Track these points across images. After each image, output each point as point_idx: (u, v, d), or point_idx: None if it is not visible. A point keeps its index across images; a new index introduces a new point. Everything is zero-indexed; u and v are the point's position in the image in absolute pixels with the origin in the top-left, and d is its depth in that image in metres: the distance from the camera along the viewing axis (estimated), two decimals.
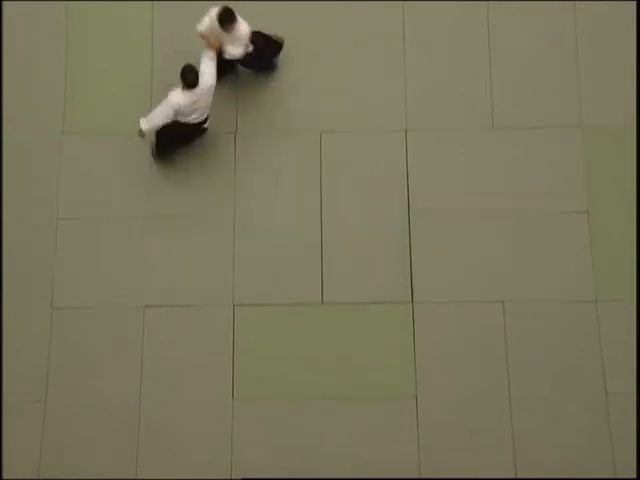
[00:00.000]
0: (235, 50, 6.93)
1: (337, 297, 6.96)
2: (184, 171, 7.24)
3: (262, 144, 7.30)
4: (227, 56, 6.95)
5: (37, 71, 7.46)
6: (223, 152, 7.27)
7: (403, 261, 7.01)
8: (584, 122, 7.29)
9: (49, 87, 7.41)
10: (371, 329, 6.89)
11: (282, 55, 7.39)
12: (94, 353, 6.85)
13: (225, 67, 7.13)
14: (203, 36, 6.86)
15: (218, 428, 6.67)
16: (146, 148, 7.23)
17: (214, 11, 6.75)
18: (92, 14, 7.55)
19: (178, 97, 6.65)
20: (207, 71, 6.76)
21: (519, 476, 6.55)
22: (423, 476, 6.53)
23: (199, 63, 6.78)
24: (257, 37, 7.00)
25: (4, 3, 7.56)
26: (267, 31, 7.15)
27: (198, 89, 6.67)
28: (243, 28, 6.87)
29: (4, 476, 6.55)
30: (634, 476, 6.56)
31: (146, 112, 7.10)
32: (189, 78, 6.59)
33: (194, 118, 6.85)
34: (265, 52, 7.23)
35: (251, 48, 6.99)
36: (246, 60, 7.14)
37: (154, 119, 6.77)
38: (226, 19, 6.70)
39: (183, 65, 6.61)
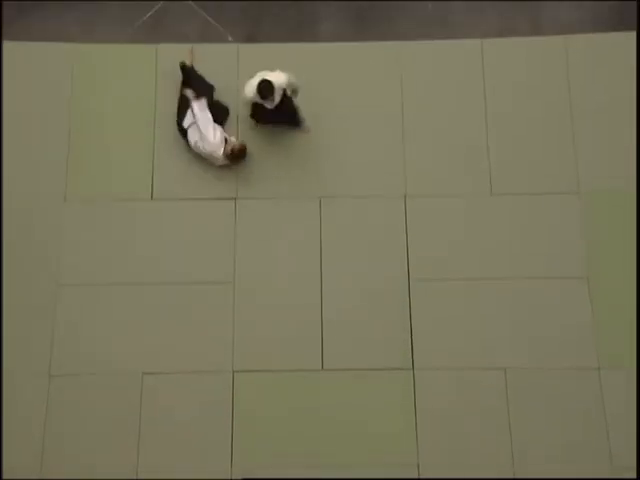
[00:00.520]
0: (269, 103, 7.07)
1: (337, 363, 6.91)
2: (183, 236, 7.27)
3: (262, 210, 7.34)
4: (269, 106, 7.07)
5: (39, 136, 7.53)
6: (223, 218, 7.31)
7: (403, 327, 6.99)
8: (582, 188, 7.33)
9: (51, 153, 7.47)
10: (372, 395, 6.83)
11: (281, 130, 7.51)
12: (92, 420, 6.78)
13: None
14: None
15: None
16: (146, 215, 7.30)
17: (254, 82, 6.90)
18: (96, 80, 7.66)
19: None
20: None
21: None
22: None
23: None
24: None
25: (7, 67, 7.69)
26: None
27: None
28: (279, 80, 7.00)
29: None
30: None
31: (148, 179, 7.25)
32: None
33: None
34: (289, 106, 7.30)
35: (278, 99, 7.08)
36: (277, 113, 7.23)
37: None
38: (266, 92, 6.86)
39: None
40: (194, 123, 7.29)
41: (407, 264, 7.15)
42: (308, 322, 7.02)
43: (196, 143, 7.28)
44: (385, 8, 8.06)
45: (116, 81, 7.67)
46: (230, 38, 7.93)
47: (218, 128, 7.30)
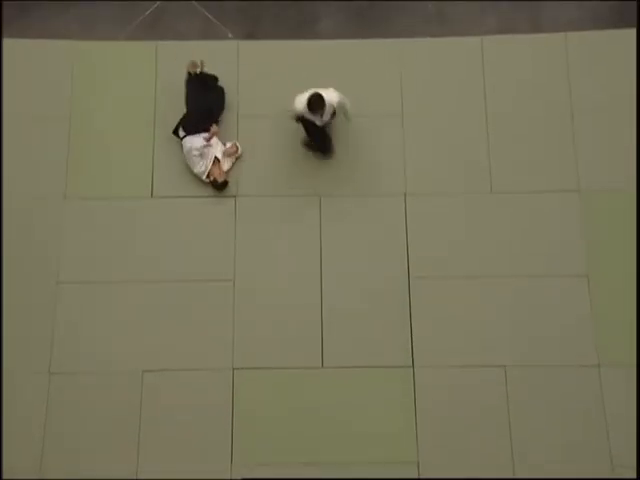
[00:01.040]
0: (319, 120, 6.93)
1: (337, 361, 6.91)
2: (183, 234, 7.27)
3: (262, 208, 7.34)
4: (319, 122, 6.96)
5: (39, 134, 7.53)
6: (223, 216, 7.31)
7: (403, 325, 6.99)
8: (582, 186, 7.34)
9: (51, 151, 7.48)
10: (372, 393, 6.83)
11: (283, 126, 7.50)
12: (92, 418, 6.78)
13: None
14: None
15: None
16: (145, 213, 7.30)
17: (304, 96, 6.78)
18: (96, 78, 7.66)
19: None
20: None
21: None
22: None
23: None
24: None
25: (6, 66, 7.69)
26: None
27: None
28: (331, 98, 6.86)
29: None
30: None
31: (148, 177, 7.29)
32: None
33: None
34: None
35: (328, 117, 6.99)
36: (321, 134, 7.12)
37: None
38: (316, 106, 6.75)
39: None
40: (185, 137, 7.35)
41: (407, 262, 7.15)
42: (308, 320, 7.02)
43: (187, 153, 7.30)
44: (385, 8, 8.06)
45: (116, 79, 7.67)
46: (230, 35, 7.93)
47: (206, 156, 7.29)
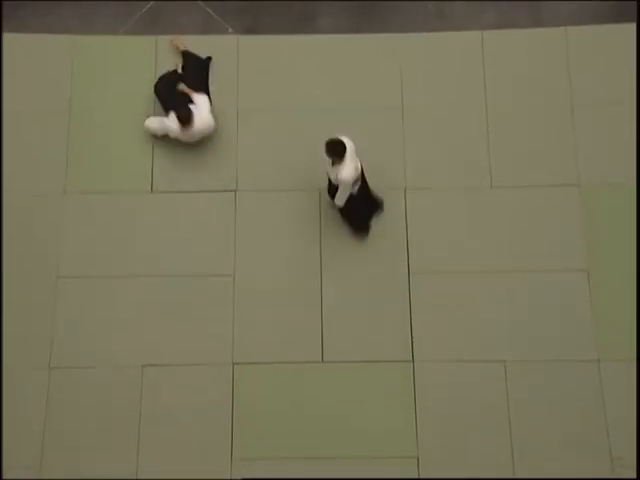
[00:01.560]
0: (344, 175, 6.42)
1: (337, 356, 6.91)
2: (183, 228, 7.27)
3: (262, 202, 7.34)
4: (335, 181, 6.60)
5: (39, 129, 7.52)
6: (223, 210, 7.31)
7: (403, 320, 6.99)
8: (582, 181, 7.33)
9: (51, 146, 7.47)
10: (372, 388, 6.83)
11: (282, 121, 7.53)
12: (91, 414, 6.78)
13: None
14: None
15: None
16: (145, 208, 7.30)
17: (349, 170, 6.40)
18: (95, 73, 7.65)
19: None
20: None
21: None
22: None
23: None
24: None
25: (6, 63, 7.68)
26: None
27: None
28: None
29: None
30: (634, 476, 6.50)
31: (148, 171, 7.29)
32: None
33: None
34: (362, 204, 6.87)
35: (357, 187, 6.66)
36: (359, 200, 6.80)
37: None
38: (334, 154, 6.37)
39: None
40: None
41: (407, 257, 7.15)
42: (308, 314, 7.02)
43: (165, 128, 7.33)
44: (385, 7, 8.05)
45: (116, 73, 7.66)
46: (230, 30, 7.92)
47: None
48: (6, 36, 7.74)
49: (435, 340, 6.93)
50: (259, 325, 7.00)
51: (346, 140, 6.43)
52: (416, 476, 6.61)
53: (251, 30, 7.93)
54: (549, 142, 7.46)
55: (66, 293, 7.07)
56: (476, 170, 7.39)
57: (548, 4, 7.98)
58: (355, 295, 7.07)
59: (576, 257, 7.12)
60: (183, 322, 7.01)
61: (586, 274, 7.08)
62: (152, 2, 8.02)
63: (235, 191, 7.37)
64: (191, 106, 7.16)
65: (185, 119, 7.08)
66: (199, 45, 7.68)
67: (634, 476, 6.52)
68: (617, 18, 7.87)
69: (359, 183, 6.70)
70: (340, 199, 6.68)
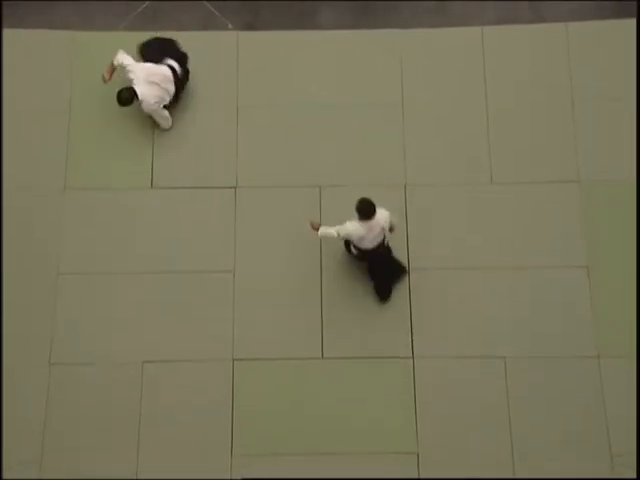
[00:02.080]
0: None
1: (337, 352, 6.92)
2: (183, 225, 7.27)
3: (262, 198, 7.34)
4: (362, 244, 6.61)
5: (39, 126, 7.52)
6: (223, 206, 7.31)
7: (404, 316, 6.99)
8: (582, 177, 7.33)
9: (51, 143, 7.47)
10: (372, 384, 6.83)
11: (282, 117, 7.53)
12: (92, 409, 6.79)
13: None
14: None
15: None
16: (145, 204, 7.29)
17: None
18: (96, 71, 7.63)
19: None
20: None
21: None
22: None
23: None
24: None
25: (6, 59, 7.68)
26: None
27: None
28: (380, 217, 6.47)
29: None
30: (634, 476, 6.51)
31: (148, 168, 7.30)
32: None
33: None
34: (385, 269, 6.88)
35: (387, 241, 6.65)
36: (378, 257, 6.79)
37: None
38: (364, 214, 6.38)
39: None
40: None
41: (407, 253, 7.14)
42: (308, 310, 7.02)
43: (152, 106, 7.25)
44: (385, 4, 8.04)
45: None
46: (230, 26, 7.91)
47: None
48: (6, 32, 7.74)
49: (435, 336, 6.94)
50: (259, 321, 7.00)
51: (382, 210, 6.45)
52: (416, 472, 6.61)
53: (251, 26, 7.92)
54: (550, 138, 7.46)
55: (66, 290, 7.08)
56: (476, 166, 7.39)
57: (548, 4, 7.97)
58: (355, 291, 7.06)
59: (576, 253, 7.12)
60: (183, 318, 7.01)
61: (586, 270, 7.08)
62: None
63: (235, 187, 7.37)
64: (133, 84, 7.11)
65: (126, 100, 7.06)
66: (198, 41, 7.67)
67: (634, 476, 6.52)
68: (618, 10, 7.88)
69: (368, 245, 6.61)
70: (326, 233, 6.60)
